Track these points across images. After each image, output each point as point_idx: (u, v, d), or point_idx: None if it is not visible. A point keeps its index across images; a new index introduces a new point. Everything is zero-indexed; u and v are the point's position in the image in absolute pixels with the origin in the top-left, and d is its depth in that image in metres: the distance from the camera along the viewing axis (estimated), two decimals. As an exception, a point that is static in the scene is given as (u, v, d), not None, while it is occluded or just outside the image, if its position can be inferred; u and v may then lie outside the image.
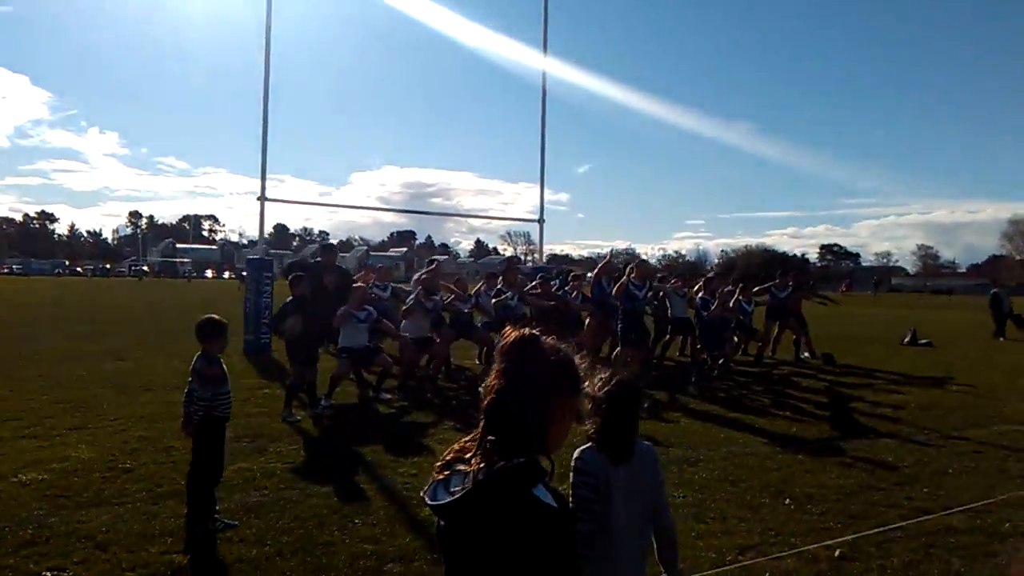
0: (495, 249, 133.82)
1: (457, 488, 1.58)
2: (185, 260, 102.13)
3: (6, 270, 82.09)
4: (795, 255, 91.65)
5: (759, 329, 13.98)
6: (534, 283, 11.78)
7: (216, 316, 4.82)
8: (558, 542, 1.54)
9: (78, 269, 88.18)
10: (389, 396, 9.22)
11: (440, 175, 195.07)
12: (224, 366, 4.81)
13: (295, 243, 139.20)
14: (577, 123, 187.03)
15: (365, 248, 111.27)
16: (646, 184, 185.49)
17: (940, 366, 13.72)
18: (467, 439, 1.69)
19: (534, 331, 1.69)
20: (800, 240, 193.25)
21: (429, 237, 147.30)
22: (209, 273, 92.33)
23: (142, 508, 4.95)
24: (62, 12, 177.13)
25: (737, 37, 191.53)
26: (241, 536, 4.50)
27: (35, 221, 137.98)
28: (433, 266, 11.37)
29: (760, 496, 5.62)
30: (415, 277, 11.81)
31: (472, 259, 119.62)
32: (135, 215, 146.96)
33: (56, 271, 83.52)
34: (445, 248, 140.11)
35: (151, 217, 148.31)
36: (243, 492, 5.40)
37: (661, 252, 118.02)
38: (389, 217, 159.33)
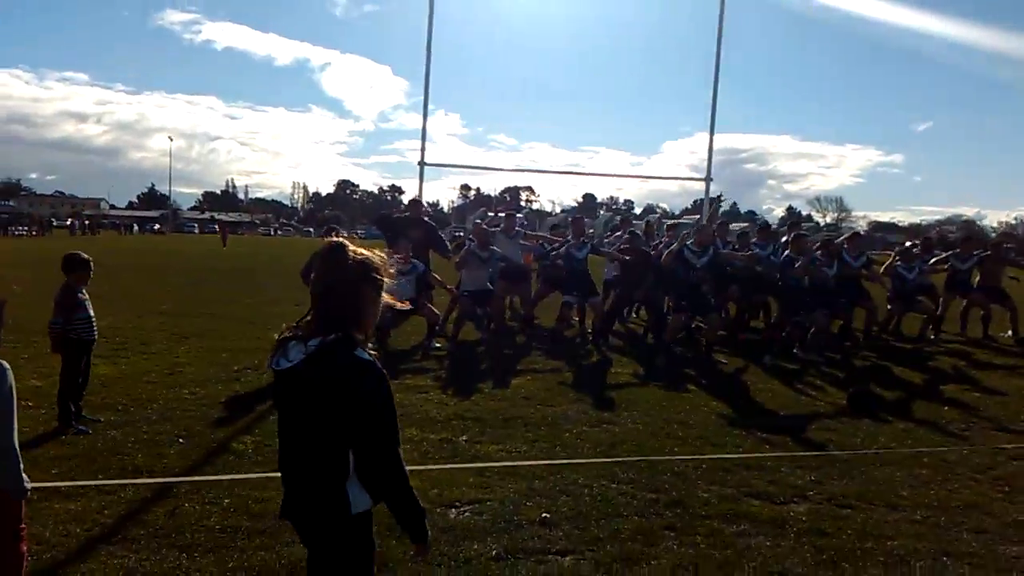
0: (808, 216, 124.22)
1: (298, 356, 2.13)
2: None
3: (354, 233, 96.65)
4: None
5: (926, 300, 11.79)
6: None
7: (79, 252, 5.72)
8: (381, 386, 2.11)
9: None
10: (439, 345, 9.69)
11: (756, 140, 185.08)
12: (82, 295, 5.59)
13: (602, 211, 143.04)
14: (916, 74, 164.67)
15: (658, 215, 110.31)
16: (1002, 142, 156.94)
17: None
18: (297, 322, 2.24)
19: (342, 239, 2.24)
20: None
21: (734, 204, 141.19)
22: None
23: (38, 415, 5.75)
24: (418, 7, 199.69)
25: None
26: (69, 441, 5.30)
27: (387, 194, 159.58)
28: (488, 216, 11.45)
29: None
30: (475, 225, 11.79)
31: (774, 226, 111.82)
32: (465, 187, 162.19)
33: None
34: (752, 216, 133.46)
35: (478, 189, 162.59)
36: (154, 408, 6.32)
37: (1016, 218, 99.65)
38: (698, 185, 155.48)
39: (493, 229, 11.31)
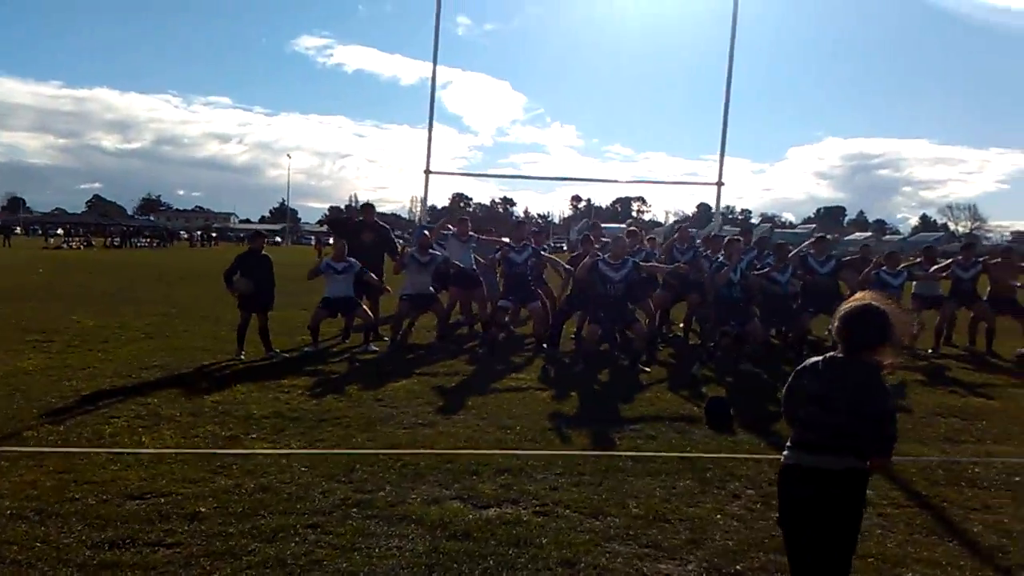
0: (944, 225, 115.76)
1: None
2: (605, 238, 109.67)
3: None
4: None
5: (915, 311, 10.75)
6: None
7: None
8: None
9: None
10: (376, 348, 9.82)
11: (888, 144, 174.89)
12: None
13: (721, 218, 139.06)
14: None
15: (769, 225, 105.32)
16: None
17: None
18: None
19: None
20: None
21: (861, 213, 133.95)
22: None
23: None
24: (536, 24, 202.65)
25: None
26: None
27: (499, 205, 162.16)
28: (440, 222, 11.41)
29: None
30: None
31: (903, 236, 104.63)
32: (576, 198, 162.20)
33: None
34: (881, 224, 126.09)
35: (588, 200, 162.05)
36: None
37: None
38: (825, 193, 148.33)
39: (445, 233, 11.33)
